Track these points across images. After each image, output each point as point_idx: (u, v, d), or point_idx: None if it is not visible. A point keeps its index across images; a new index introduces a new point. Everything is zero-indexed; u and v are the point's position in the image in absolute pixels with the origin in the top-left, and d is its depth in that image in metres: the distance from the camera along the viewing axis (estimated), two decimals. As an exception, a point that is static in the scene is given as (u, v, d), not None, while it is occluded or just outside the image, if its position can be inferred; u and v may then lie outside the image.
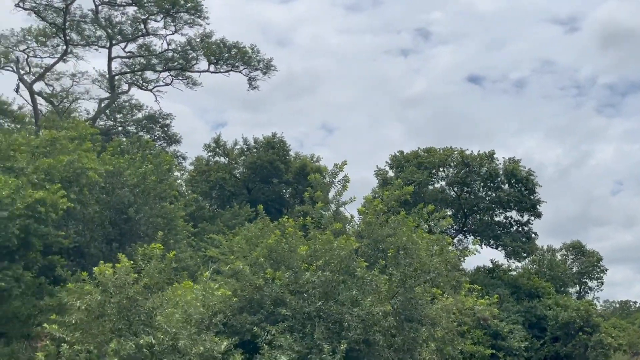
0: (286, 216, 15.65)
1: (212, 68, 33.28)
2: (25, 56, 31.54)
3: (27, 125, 26.28)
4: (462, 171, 34.39)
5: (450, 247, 16.66)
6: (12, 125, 28.60)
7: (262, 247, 14.16)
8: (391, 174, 35.56)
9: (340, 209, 16.29)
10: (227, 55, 32.79)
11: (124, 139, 30.00)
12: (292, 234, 14.18)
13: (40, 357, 11.49)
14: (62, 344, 11.64)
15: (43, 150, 15.04)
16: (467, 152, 34.76)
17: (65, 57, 31.58)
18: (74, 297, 11.98)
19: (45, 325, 11.80)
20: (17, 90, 30.53)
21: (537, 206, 34.35)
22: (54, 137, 15.44)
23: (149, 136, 35.87)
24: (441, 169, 35.03)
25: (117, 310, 11.97)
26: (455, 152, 34.90)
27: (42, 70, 32.09)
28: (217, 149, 36.50)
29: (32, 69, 32.19)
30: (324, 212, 15.70)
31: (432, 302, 15.09)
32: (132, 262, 12.32)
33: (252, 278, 13.48)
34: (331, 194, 17.09)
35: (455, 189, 35.25)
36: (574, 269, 41.06)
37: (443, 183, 35.41)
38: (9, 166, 13.68)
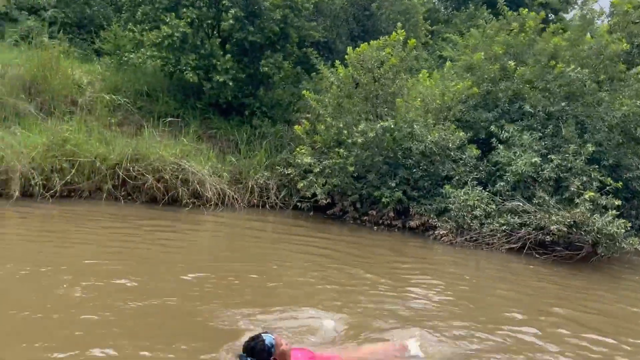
0: (525, 9, 14.84)
1: None
2: None
3: None
4: None
5: None
6: None
7: (500, 42, 13.92)
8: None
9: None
10: None
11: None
12: (533, 27, 13.59)
13: (299, 132, 13.39)
14: (317, 123, 13.39)
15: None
16: None
17: None
18: (328, 76, 13.43)
19: (304, 92, 13.48)
20: None
21: None
22: None
23: None
24: None
25: (363, 93, 13.15)
26: None
27: None
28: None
29: None
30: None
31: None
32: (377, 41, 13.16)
33: (488, 70, 13.48)
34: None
35: None
36: None
37: None
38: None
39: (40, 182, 11.18)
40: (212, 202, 12.45)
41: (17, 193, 10.83)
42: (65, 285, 6.54)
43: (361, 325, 6.21)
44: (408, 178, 12.81)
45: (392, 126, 12.47)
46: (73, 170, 11.52)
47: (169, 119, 13.79)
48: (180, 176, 12.26)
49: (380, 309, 6.99)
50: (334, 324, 6.14)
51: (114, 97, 13.65)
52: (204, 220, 11.66)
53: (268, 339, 4.83)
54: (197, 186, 12.33)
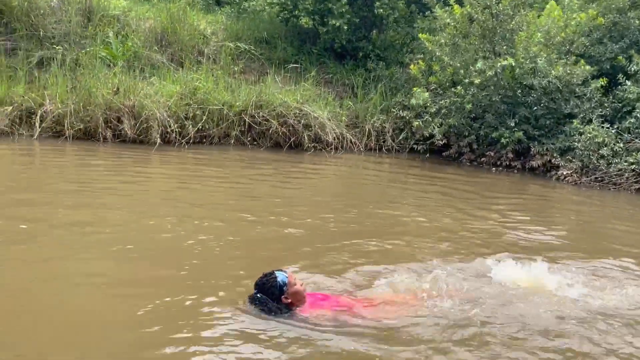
0: None
1: None
2: None
3: None
4: None
5: None
6: None
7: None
8: None
9: None
10: None
11: None
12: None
13: (415, 71, 13.39)
14: (432, 63, 13.33)
15: None
16: None
17: None
18: (444, 17, 13.28)
19: (420, 35, 13.39)
20: None
21: None
22: None
23: None
24: None
25: (480, 31, 12.89)
26: None
27: None
28: None
29: None
30: None
31: None
32: None
33: (615, -1, 12.82)
34: None
35: None
36: None
37: None
38: None
39: (176, 129, 12.09)
40: (333, 146, 12.91)
41: (158, 140, 11.81)
42: (198, 218, 7.18)
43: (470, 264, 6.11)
44: (528, 117, 12.57)
45: (513, 63, 12.20)
46: (204, 117, 12.33)
47: (291, 65, 14.23)
48: (302, 121, 12.77)
49: (501, 247, 6.95)
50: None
51: (238, 45, 14.23)
52: (326, 162, 12.15)
53: (281, 276, 4.72)
54: (318, 130, 12.81)
